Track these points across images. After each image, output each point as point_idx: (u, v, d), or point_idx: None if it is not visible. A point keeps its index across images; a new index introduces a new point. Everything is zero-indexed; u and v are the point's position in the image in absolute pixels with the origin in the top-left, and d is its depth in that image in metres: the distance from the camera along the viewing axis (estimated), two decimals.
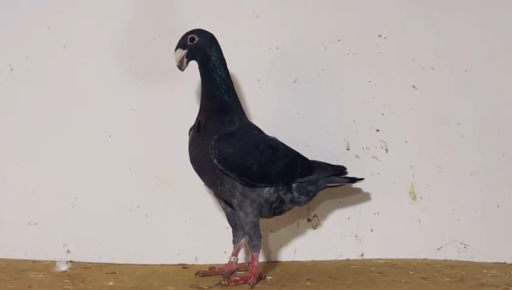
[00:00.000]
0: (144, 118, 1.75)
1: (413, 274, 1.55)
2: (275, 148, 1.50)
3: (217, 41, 1.51)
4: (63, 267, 1.57)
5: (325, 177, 1.57)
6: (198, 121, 1.50)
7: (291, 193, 1.51)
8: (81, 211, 1.73)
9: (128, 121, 1.75)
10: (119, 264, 1.66)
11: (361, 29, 1.79)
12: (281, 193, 1.49)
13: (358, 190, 1.75)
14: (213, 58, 1.49)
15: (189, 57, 1.49)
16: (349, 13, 1.79)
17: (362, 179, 1.63)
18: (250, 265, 1.48)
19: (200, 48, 1.48)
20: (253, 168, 1.44)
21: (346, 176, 1.63)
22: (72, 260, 1.68)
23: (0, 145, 1.74)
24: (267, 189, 1.47)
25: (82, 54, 1.75)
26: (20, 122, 1.74)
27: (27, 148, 1.74)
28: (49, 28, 1.76)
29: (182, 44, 1.49)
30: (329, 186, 1.60)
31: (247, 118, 1.54)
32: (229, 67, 1.55)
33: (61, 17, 1.76)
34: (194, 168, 1.52)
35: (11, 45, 1.76)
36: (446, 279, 1.49)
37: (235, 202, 1.47)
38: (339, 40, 1.78)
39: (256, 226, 1.47)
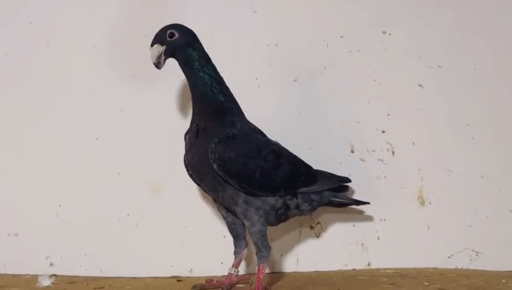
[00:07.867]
0: (134, 119, 1.65)
1: (428, 285, 1.44)
2: (278, 153, 1.39)
3: (198, 39, 1.41)
4: (46, 283, 1.46)
5: (330, 190, 1.47)
6: (196, 124, 1.38)
7: (297, 199, 1.41)
8: (65, 220, 1.61)
9: (117, 123, 1.65)
10: (107, 278, 1.56)
11: (365, 25, 1.71)
12: (286, 199, 1.39)
13: (364, 195, 1.65)
14: (196, 56, 1.37)
15: (168, 54, 1.37)
16: (351, 8, 1.71)
17: (367, 203, 1.55)
18: (256, 277, 1.36)
19: (181, 46, 1.37)
20: (256, 175, 1.33)
21: (351, 197, 1.58)
22: (55, 273, 1.57)
23: None
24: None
25: (67, 51, 1.66)
26: None
27: (5, 151, 1.62)
28: (30, 23, 1.66)
29: (159, 39, 1.37)
30: (333, 202, 1.50)
31: (247, 119, 1.43)
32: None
33: (43, 11, 1.66)
34: (193, 174, 1.42)
35: None
36: None
37: (238, 210, 1.35)
38: (342, 37, 1.70)
39: (264, 235, 1.36)
